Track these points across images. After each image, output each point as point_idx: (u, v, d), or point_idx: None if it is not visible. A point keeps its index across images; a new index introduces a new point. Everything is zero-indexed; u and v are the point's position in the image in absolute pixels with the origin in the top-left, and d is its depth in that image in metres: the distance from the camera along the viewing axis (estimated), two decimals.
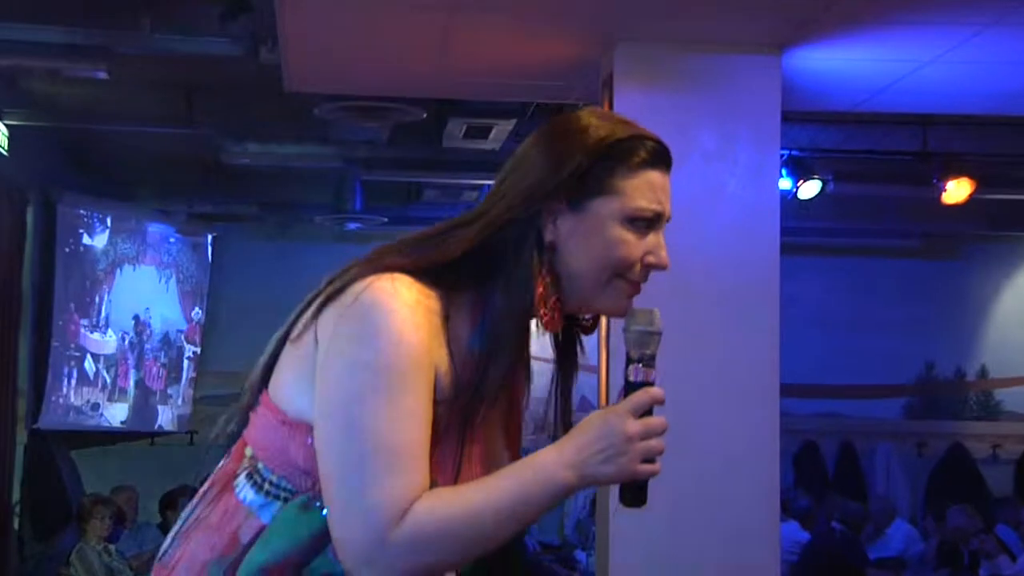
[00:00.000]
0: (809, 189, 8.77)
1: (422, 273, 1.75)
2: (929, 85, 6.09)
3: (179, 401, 11.12)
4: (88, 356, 10.19)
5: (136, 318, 10.72)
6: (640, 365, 1.78)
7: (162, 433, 11.06)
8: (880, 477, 11.64)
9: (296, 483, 1.76)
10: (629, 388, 1.75)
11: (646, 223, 1.85)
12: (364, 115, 7.26)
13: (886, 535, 9.65)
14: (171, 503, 8.70)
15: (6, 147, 7.96)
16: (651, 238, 1.86)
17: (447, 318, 1.75)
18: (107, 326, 10.41)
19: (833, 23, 5.21)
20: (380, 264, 1.76)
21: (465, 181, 9.20)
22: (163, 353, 10.98)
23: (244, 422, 1.87)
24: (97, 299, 10.28)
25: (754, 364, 5.39)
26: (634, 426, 1.70)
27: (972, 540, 8.62)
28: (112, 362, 10.46)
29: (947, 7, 4.98)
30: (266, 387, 1.84)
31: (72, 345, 9.99)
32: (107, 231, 10.34)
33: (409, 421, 1.67)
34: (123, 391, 10.62)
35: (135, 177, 10.20)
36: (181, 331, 11.14)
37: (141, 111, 8.15)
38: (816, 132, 8.55)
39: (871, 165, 9.21)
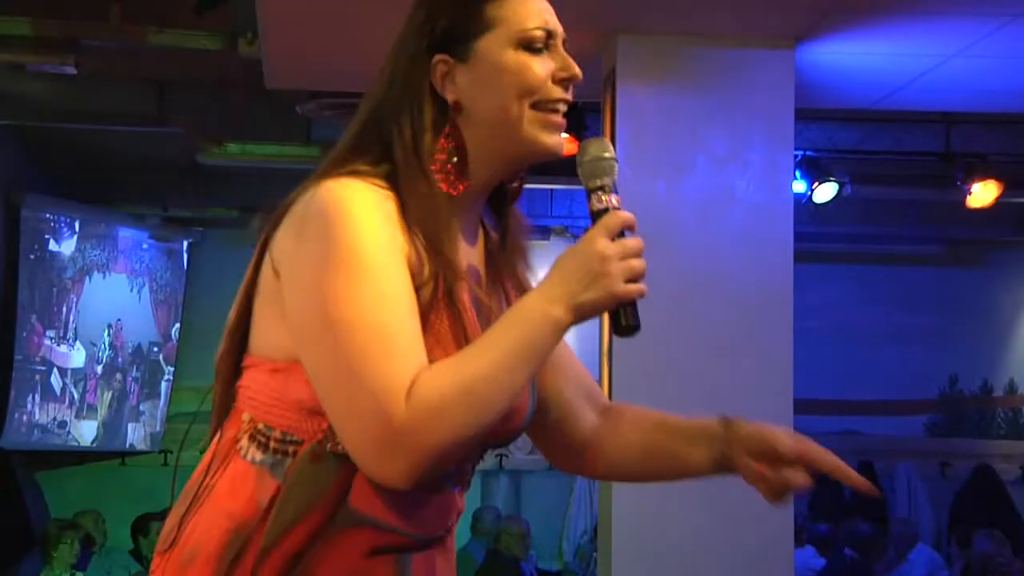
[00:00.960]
0: (825, 192, 8.78)
1: (360, 172, 1.80)
2: (953, 81, 6.10)
3: (152, 419, 11.10)
4: (55, 370, 10.17)
5: (107, 329, 10.70)
6: (601, 193, 1.80)
7: (133, 453, 11.04)
8: (901, 499, 11.63)
9: (302, 431, 1.77)
10: (596, 217, 1.79)
11: (540, 43, 1.85)
12: (349, 112, 7.24)
13: (908, 560, 9.64)
14: (143, 528, 8.68)
15: None
16: (553, 57, 1.87)
17: (402, 205, 1.79)
18: (75, 338, 10.39)
19: (850, 15, 5.22)
20: (315, 178, 1.81)
21: None
22: (135, 367, 10.96)
23: (227, 401, 1.88)
24: (64, 309, 10.26)
25: (766, 378, 5.39)
26: (609, 247, 1.74)
27: (999, 567, 8.62)
28: (80, 377, 10.44)
29: None
30: (244, 353, 1.86)
31: (37, 358, 9.97)
32: (75, 236, 10.32)
33: (391, 302, 1.70)
34: (92, 408, 10.60)
35: (105, 179, 10.19)
36: (154, 343, 11.12)
37: (111, 108, 8.14)
38: (832, 131, 8.56)
39: (891, 166, 9.22)
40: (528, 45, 1.84)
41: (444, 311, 1.79)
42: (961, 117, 8.11)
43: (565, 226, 11.57)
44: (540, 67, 1.84)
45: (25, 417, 9.87)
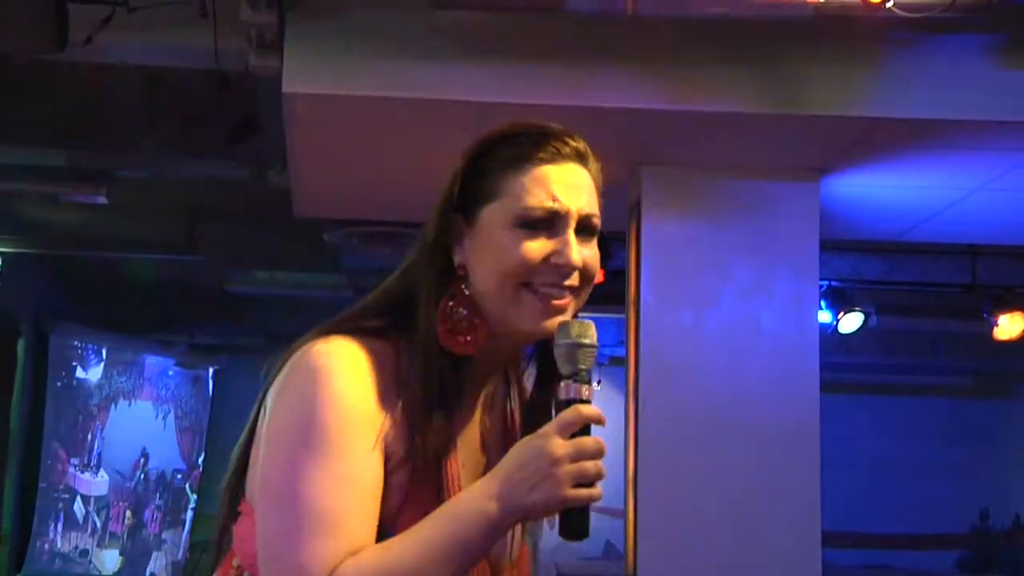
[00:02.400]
0: (851, 322, 8.76)
1: (365, 332, 1.76)
2: (977, 214, 6.12)
3: (175, 547, 11.03)
4: (78, 498, 10.14)
5: (131, 456, 10.68)
6: (572, 381, 1.67)
7: None
8: None
9: None
10: (559, 408, 1.66)
11: (542, 224, 1.74)
12: (376, 241, 7.30)
13: None
14: None
15: None
16: (555, 239, 1.74)
17: (400, 371, 1.74)
18: (99, 466, 10.37)
19: (874, 149, 5.25)
20: (319, 331, 1.78)
21: None
22: (159, 495, 10.93)
23: (227, 537, 1.87)
24: (89, 436, 10.26)
25: (793, 511, 5.33)
26: (561, 447, 1.62)
27: None
28: (103, 504, 10.40)
29: (994, 132, 5.01)
30: (243, 494, 1.84)
31: (61, 486, 9.95)
32: (102, 363, 10.36)
33: (343, 486, 1.66)
34: (115, 536, 10.55)
35: (133, 306, 10.26)
36: (178, 470, 11.09)
37: (141, 237, 8.23)
38: (857, 262, 8.57)
39: (917, 297, 9.20)
40: (526, 223, 1.74)
41: (430, 482, 1.74)
42: (986, 249, 8.11)
43: (619, 356, 11.55)
44: (532, 252, 1.73)
45: (47, 545, 9.82)
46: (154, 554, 10.90)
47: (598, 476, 1.66)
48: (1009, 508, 12.08)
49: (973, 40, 4.87)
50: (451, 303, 1.75)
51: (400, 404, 1.72)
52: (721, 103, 4.87)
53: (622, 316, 5.84)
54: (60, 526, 9.96)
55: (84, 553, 10.21)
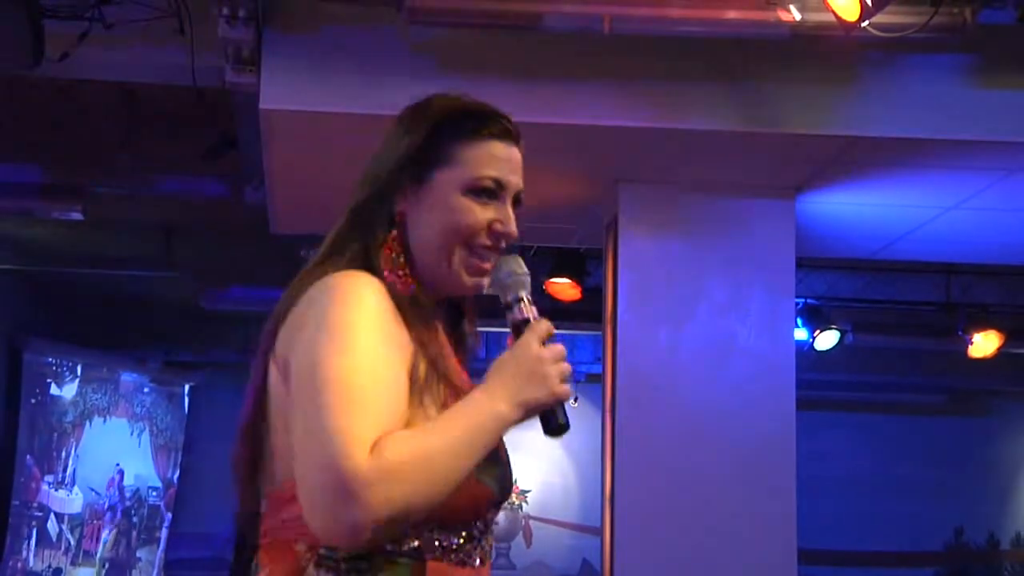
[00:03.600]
0: (826, 340, 8.79)
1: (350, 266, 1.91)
2: (952, 233, 6.15)
3: (148, 565, 10.97)
4: (52, 516, 10.08)
5: (106, 474, 10.63)
6: (522, 304, 1.94)
7: None
8: None
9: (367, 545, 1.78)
10: (519, 327, 1.91)
11: (488, 193, 1.98)
12: None
13: None
14: None
15: None
16: (497, 207, 1.98)
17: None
18: (73, 483, 10.32)
19: (850, 167, 5.28)
20: (313, 273, 1.90)
21: None
22: (134, 513, 10.87)
23: (253, 531, 1.89)
24: (64, 454, 10.21)
25: (769, 528, 5.34)
26: (544, 350, 1.86)
27: None
28: (77, 523, 10.35)
29: (969, 152, 5.05)
30: (269, 488, 1.87)
31: (34, 504, 9.89)
32: (76, 380, 10.31)
33: (373, 369, 1.75)
34: (88, 555, 10.49)
35: (108, 323, 10.22)
36: (153, 488, 11.04)
37: (117, 253, 8.20)
38: (833, 280, 8.61)
39: (892, 315, 9.24)
40: (476, 191, 1.96)
41: (441, 389, 1.86)
42: (961, 268, 8.16)
43: (596, 372, 11.56)
44: (479, 216, 1.96)
45: (20, 564, 9.75)
46: (130, 572, 10.84)
47: (569, 375, 1.88)
48: (984, 526, 12.12)
49: (948, 60, 4.90)
50: (396, 246, 1.95)
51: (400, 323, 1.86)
52: (698, 121, 4.89)
53: (599, 333, 5.84)
54: (34, 544, 9.90)
55: (58, 572, 10.15)
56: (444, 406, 1.83)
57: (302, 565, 1.80)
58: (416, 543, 1.79)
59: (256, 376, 1.90)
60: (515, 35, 4.78)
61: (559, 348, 1.88)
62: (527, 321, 1.91)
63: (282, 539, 1.83)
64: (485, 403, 1.80)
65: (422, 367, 1.84)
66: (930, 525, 11.91)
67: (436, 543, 1.81)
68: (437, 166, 1.96)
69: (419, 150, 1.97)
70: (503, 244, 1.99)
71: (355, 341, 1.76)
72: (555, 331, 1.90)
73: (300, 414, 1.74)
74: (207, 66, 4.72)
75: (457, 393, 1.85)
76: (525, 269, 1.97)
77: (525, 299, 1.94)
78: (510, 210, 2.01)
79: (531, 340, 1.87)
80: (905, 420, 11.98)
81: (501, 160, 2.00)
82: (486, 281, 1.98)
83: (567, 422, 1.88)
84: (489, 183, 1.97)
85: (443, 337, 1.99)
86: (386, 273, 1.91)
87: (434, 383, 1.85)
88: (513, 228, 1.99)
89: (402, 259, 1.95)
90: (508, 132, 2.04)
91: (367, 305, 1.81)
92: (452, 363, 1.93)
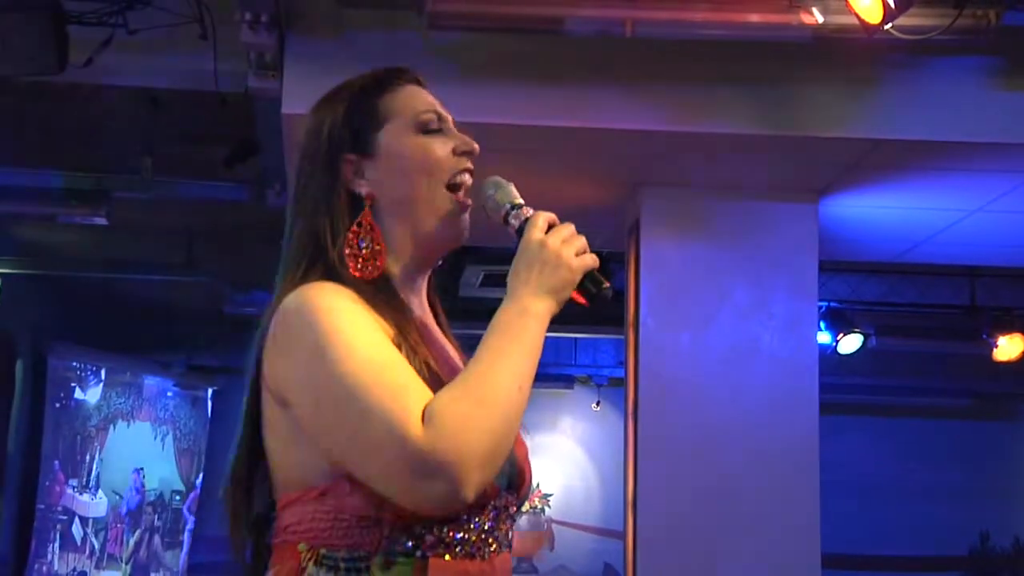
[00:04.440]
0: (850, 343, 8.77)
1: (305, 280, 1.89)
2: (976, 235, 6.12)
3: (173, 569, 11.00)
4: (76, 520, 10.12)
5: (130, 478, 10.66)
6: (517, 211, 1.93)
7: None
8: None
9: (366, 545, 1.78)
10: (521, 231, 1.90)
11: (434, 129, 1.97)
12: None
13: None
14: None
15: None
16: (449, 136, 1.98)
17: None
18: (97, 487, 10.35)
19: (874, 169, 5.26)
20: (280, 294, 1.89)
21: (483, 332, 9.22)
22: (157, 516, 10.90)
23: (261, 535, 1.91)
24: (88, 458, 10.25)
25: (792, 533, 5.32)
26: (547, 236, 1.86)
27: None
28: (102, 526, 10.38)
29: (993, 154, 5.03)
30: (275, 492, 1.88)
31: (59, 508, 9.93)
32: (100, 384, 10.35)
33: (381, 357, 1.76)
34: (113, 558, 10.52)
35: (132, 327, 10.26)
36: (176, 492, 11.07)
37: (140, 258, 8.23)
38: (857, 283, 8.58)
39: (916, 319, 9.21)
40: (425, 128, 1.96)
41: (425, 376, 1.82)
42: (985, 271, 8.12)
43: (589, 375, 11.56)
44: (440, 146, 1.96)
45: (45, 568, 9.79)
46: None
47: (587, 246, 1.89)
48: (1009, 530, 12.06)
49: (971, 62, 4.88)
50: (352, 234, 1.92)
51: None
52: (720, 124, 4.88)
53: (621, 337, 5.84)
54: (58, 548, 9.93)
55: (82, 575, 10.19)
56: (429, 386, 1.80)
57: (302, 565, 1.81)
58: (410, 542, 1.77)
59: (250, 401, 1.90)
60: (536, 39, 4.78)
61: (565, 227, 1.89)
62: (524, 225, 1.91)
63: (286, 540, 1.85)
64: (514, 309, 1.82)
65: (404, 352, 1.82)
66: (955, 529, 11.85)
67: (437, 539, 1.79)
68: (374, 128, 1.96)
69: (349, 122, 1.97)
70: (472, 162, 1.99)
71: (351, 344, 1.75)
72: (556, 219, 1.91)
73: (339, 423, 1.74)
74: (230, 71, 4.74)
75: (437, 378, 1.82)
76: (509, 182, 1.98)
77: (519, 204, 1.95)
78: (459, 132, 2.00)
79: (533, 233, 1.87)
80: (930, 424, 11.94)
81: (427, 100, 2.00)
82: (470, 202, 1.97)
83: (603, 286, 1.88)
84: (431, 116, 1.97)
85: (429, 319, 2.00)
86: (350, 265, 1.90)
87: (418, 367, 1.83)
88: (474, 143, 1.99)
89: (366, 246, 1.92)
90: (418, 79, 2.05)
91: (342, 307, 1.80)
92: (437, 347, 1.93)
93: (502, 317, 1.83)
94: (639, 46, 4.80)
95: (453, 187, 1.96)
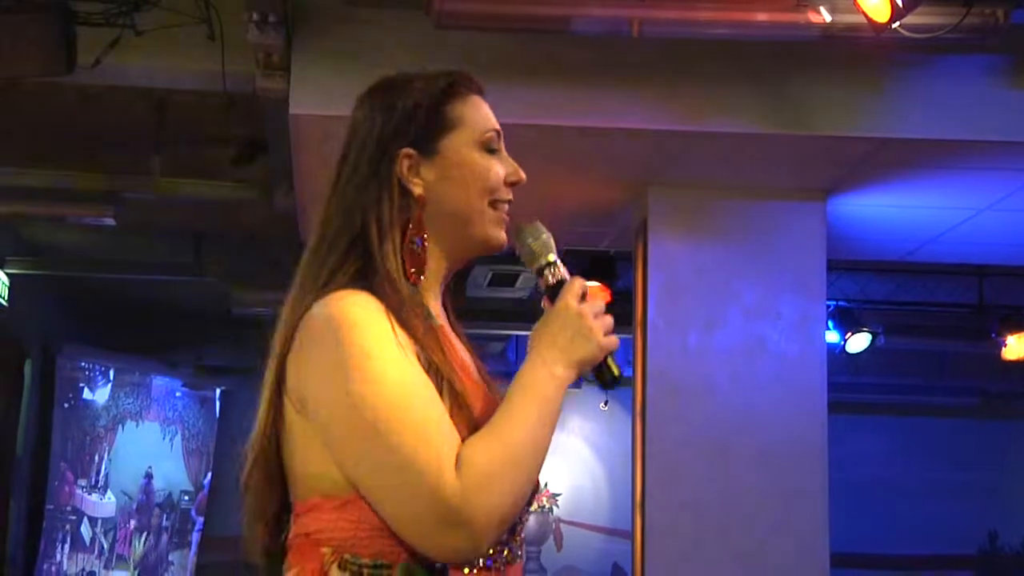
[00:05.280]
0: (858, 342, 8.76)
1: (335, 283, 1.86)
2: (984, 234, 6.11)
3: (181, 569, 11.01)
4: (85, 520, 10.13)
5: (138, 478, 10.67)
6: (553, 268, 1.94)
7: None
8: None
9: (390, 555, 1.78)
10: (554, 289, 1.92)
11: (495, 146, 1.98)
12: None
13: None
14: None
15: (6, 297, 8.04)
16: (503, 160, 1.99)
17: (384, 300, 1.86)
18: (106, 487, 10.36)
19: (881, 169, 5.26)
20: (299, 293, 1.88)
21: (491, 331, 9.23)
22: (165, 517, 10.91)
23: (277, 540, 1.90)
24: (96, 458, 10.26)
25: (801, 531, 5.32)
26: (584, 307, 1.87)
27: None
28: (110, 526, 10.39)
29: (1001, 153, 5.02)
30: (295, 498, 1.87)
31: (68, 508, 9.94)
32: (109, 385, 10.36)
33: (412, 389, 1.75)
34: (122, 558, 10.53)
35: (140, 328, 10.27)
36: (185, 492, 11.08)
37: (148, 258, 8.24)
38: (865, 282, 8.57)
39: (924, 318, 9.20)
40: (488, 147, 1.96)
41: (447, 396, 1.82)
42: (994, 269, 8.11)
43: (626, 376, 11.55)
44: (499, 169, 1.97)
45: (54, 568, 9.80)
46: None
47: (612, 327, 1.91)
48: (1018, 530, 12.03)
49: (979, 61, 4.88)
50: (413, 233, 1.92)
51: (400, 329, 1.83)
52: (728, 124, 4.88)
53: (629, 336, 5.84)
54: (67, 548, 9.94)
55: (91, 575, 10.20)
56: (450, 409, 1.80)
57: (325, 568, 1.81)
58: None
59: (270, 403, 1.88)
60: (544, 38, 4.78)
61: (598, 302, 1.90)
62: (561, 283, 1.92)
63: (309, 541, 1.84)
64: (543, 372, 1.83)
65: (427, 370, 1.82)
66: (963, 529, 11.83)
67: None
68: (440, 132, 1.94)
69: (414, 118, 1.94)
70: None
71: (383, 367, 1.75)
72: (588, 288, 1.92)
73: (362, 455, 1.74)
74: (237, 72, 4.74)
75: (459, 399, 1.82)
76: (548, 232, 1.98)
77: (556, 262, 1.95)
78: (509, 157, 2.01)
79: (570, 299, 1.88)
80: (938, 423, 11.91)
81: (492, 117, 2.00)
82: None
83: (617, 373, 1.92)
84: (495, 136, 1.98)
85: (444, 321, 1.99)
86: (406, 261, 1.89)
87: (442, 388, 1.82)
88: (523, 174, 2.00)
89: (418, 248, 1.92)
90: (481, 89, 2.04)
91: (373, 325, 1.78)
92: (456, 359, 1.91)
93: (534, 376, 1.83)
94: (646, 45, 4.80)
95: (495, 204, 1.97)
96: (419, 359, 1.81)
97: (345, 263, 1.88)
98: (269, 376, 1.89)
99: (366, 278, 1.86)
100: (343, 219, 1.93)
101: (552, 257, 1.95)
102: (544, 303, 1.93)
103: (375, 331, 1.78)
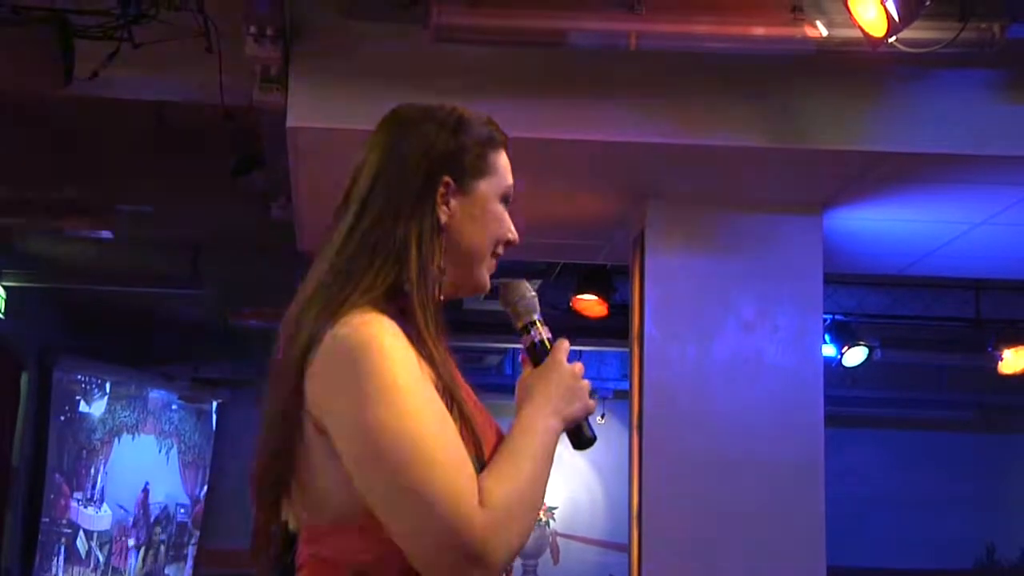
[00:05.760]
0: (855, 356, 8.76)
1: (362, 301, 1.87)
2: (980, 248, 6.12)
3: None
4: (81, 533, 10.11)
5: (134, 491, 10.66)
6: (536, 326, 2.02)
7: None
8: None
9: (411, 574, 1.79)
10: (539, 347, 2.01)
11: (510, 199, 2.06)
12: None
13: None
14: None
15: (3, 309, 8.04)
16: (507, 219, 2.06)
17: (406, 320, 1.88)
18: (102, 500, 10.35)
19: (878, 183, 5.26)
20: (327, 308, 1.86)
21: (489, 344, 9.23)
22: (161, 529, 10.90)
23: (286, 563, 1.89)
24: (92, 471, 10.25)
25: (798, 545, 5.31)
26: (573, 368, 1.98)
27: None
28: (106, 539, 10.38)
29: (997, 167, 5.03)
30: (310, 518, 1.85)
31: (63, 521, 9.93)
32: (105, 397, 10.35)
33: (434, 421, 1.77)
34: (117, 571, 10.52)
35: (137, 340, 10.27)
36: (181, 505, 11.07)
37: (145, 271, 8.24)
38: (861, 296, 8.58)
39: (921, 331, 9.20)
40: (506, 199, 2.04)
41: (458, 422, 1.83)
42: (991, 283, 8.12)
43: (594, 388, 11.53)
44: (509, 223, 2.04)
45: None
46: None
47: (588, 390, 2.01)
48: (1015, 542, 12.03)
49: (976, 75, 4.89)
50: (443, 255, 1.96)
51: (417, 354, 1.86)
52: (725, 137, 4.88)
53: (626, 350, 5.84)
54: (63, 561, 9.93)
55: None
56: (460, 434, 1.81)
57: None
58: None
59: (288, 417, 1.85)
60: (540, 52, 4.79)
61: (580, 366, 1.99)
62: (543, 342, 2.00)
63: (327, 565, 1.84)
64: (541, 422, 1.90)
65: (443, 396, 1.84)
66: (961, 542, 11.83)
67: None
68: (481, 176, 2.00)
69: (462, 154, 1.99)
70: None
71: (405, 397, 1.76)
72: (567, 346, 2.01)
73: (386, 486, 1.73)
74: (235, 85, 4.74)
75: (469, 426, 1.84)
76: (533, 292, 2.06)
77: (539, 321, 2.02)
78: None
79: (562, 359, 1.97)
80: (935, 436, 11.92)
81: (510, 174, 2.07)
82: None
83: (595, 434, 1.99)
84: (511, 191, 2.05)
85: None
86: (441, 285, 1.93)
87: (454, 414, 1.84)
88: (517, 235, 2.08)
89: (442, 272, 1.95)
90: (508, 141, 2.10)
91: (397, 352, 1.79)
92: (460, 382, 1.94)
93: (535, 424, 1.90)
94: (643, 59, 4.80)
95: (495, 254, 2.05)
96: (436, 387, 1.82)
97: (377, 278, 1.89)
98: (283, 387, 1.86)
99: (395, 298, 1.88)
100: (379, 229, 1.93)
101: (535, 317, 2.02)
102: (523, 359, 2.02)
103: (400, 359, 1.79)
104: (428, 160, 1.97)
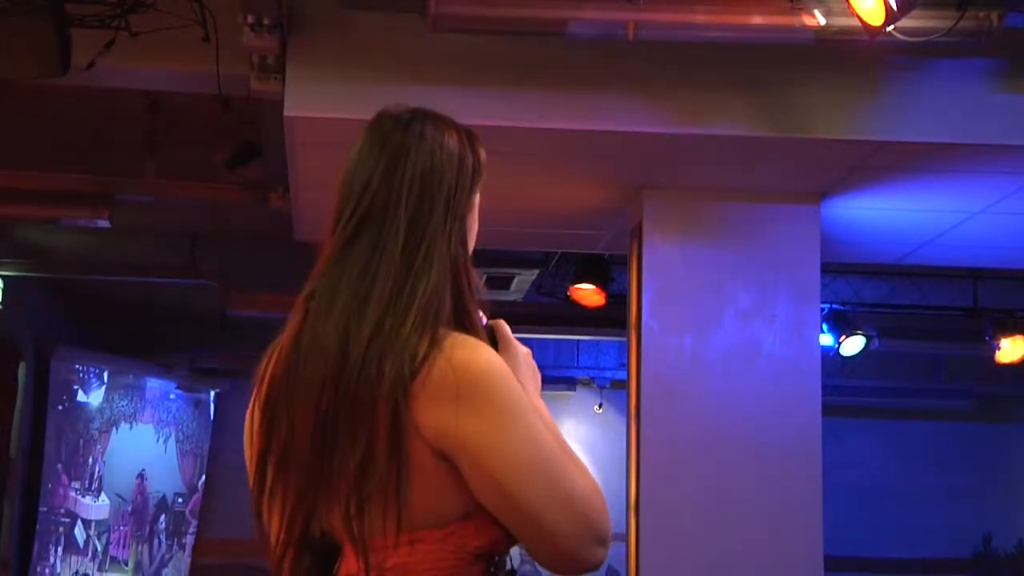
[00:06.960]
0: (852, 345, 8.77)
1: (445, 324, 1.92)
2: (978, 237, 6.12)
3: (176, 572, 11.00)
4: (79, 522, 10.12)
5: (132, 480, 10.66)
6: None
7: None
8: None
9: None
10: (488, 332, 2.02)
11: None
12: None
13: None
14: None
15: (0, 299, 8.04)
16: None
17: None
18: (100, 490, 10.35)
19: (875, 172, 5.26)
20: (430, 327, 1.88)
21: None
22: (160, 519, 10.90)
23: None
24: (90, 460, 10.25)
25: (795, 535, 5.32)
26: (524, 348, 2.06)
27: None
28: (104, 529, 10.38)
29: (995, 156, 5.03)
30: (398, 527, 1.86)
31: (61, 510, 9.93)
32: (103, 387, 10.35)
33: (548, 431, 1.90)
34: (115, 561, 10.52)
35: (134, 330, 10.27)
36: (179, 494, 11.07)
37: (143, 260, 8.23)
38: (859, 285, 8.58)
39: (919, 321, 9.21)
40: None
41: None
42: (988, 273, 8.12)
43: (592, 377, 11.56)
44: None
45: (48, 570, 9.79)
46: None
47: None
48: (1013, 533, 12.05)
49: (974, 64, 4.89)
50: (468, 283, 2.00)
51: None
52: (722, 127, 4.88)
53: (623, 339, 5.84)
54: (61, 551, 9.93)
55: None
56: None
57: None
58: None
59: (392, 443, 1.83)
60: (539, 42, 4.78)
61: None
62: (489, 327, 2.03)
63: (408, 573, 1.86)
64: (540, 407, 1.96)
65: None
66: (958, 532, 11.84)
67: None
68: (477, 188, 2.04)
69: (477, 169, 2.03)
70: None
71: (530, 415, 1.87)
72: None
73: (538, 496, 1.85)
74: (232, 74, 4.74)
75: None
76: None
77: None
78: None
79: (513, 339, 2.04)
80: (932, 426, 11.93)
81: None
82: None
83: None
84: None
85: None
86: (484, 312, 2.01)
87: None
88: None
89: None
90: None
91: (510, 373, 1.90)
92: None
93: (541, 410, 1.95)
94: (641, 49, 4.80)
95: None
96: None
97: (442, 301, 1.92)
98: (369, 409, 1.83)
99: (462, 322, 1.95)
100: (428, 246, 1.93)
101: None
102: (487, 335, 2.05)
103: (513, 378, 1.90)
104: (468, 173, 2.01)
